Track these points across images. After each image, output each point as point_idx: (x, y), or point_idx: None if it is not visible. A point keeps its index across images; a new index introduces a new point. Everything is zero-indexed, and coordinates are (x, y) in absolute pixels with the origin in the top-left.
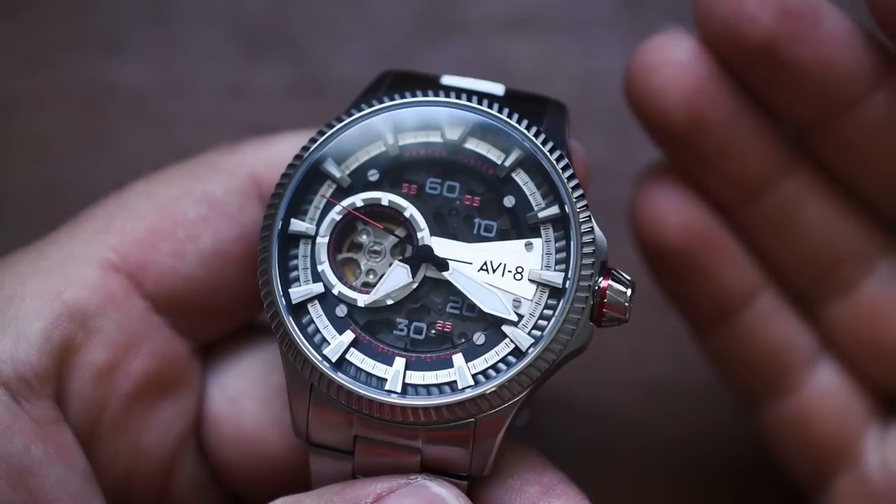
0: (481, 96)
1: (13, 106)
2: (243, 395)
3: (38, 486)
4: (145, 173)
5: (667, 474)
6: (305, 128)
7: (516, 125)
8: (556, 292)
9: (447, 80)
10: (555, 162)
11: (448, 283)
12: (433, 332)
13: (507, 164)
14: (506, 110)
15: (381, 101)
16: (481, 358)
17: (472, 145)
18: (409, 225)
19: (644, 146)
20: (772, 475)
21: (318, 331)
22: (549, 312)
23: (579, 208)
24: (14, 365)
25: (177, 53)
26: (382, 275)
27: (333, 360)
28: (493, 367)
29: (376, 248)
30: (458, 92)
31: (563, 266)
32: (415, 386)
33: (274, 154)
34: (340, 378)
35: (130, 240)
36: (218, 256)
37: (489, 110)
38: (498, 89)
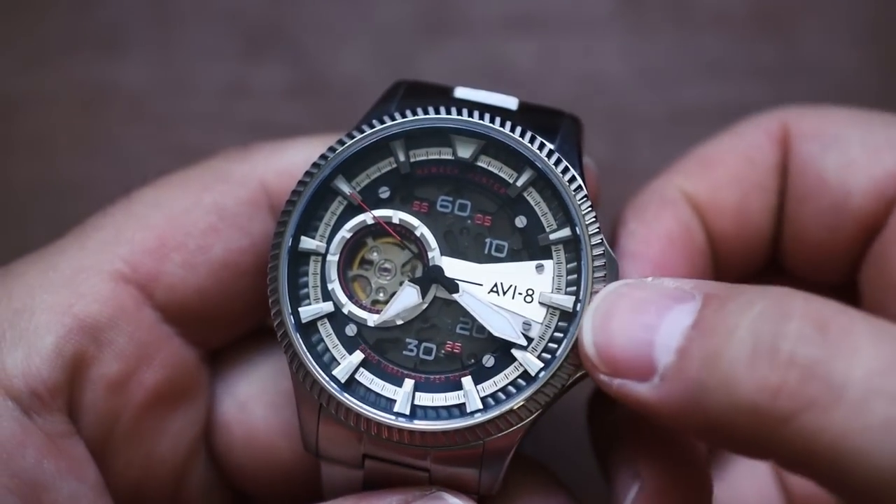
0: (494, 111)
1: (13, 106)
2: (253, 400)
3: (51, 501)
4: (146, 173)
5: None
6: (314, 133)
7: (528, 144)
8: (566, 315)
9: (460, 92)
10: (567, 183)
11: (458, 304)
12: (443, 352)
13: (520, 183)
14: (518, 129)
15: (393, 117)
16: (490, 381)
17: (484, 164)
18: (419, 244)
19: (644, 146)
20: None
21: (327, 349)
22: (560, 335)
23: (591, 231)
24: (26, 379)
25: (177, 53)
26: (392, 293)
27: (342, 380)
28: (503, 390)
29: (387, 265)
30: (471, 106)
31: (573, 289)
32: (424, 408)
33: (285, 164)
34: (348, 400)
35: (140, 250)
36: (228, 267)
37: (501, 129)
38: (511, 103)
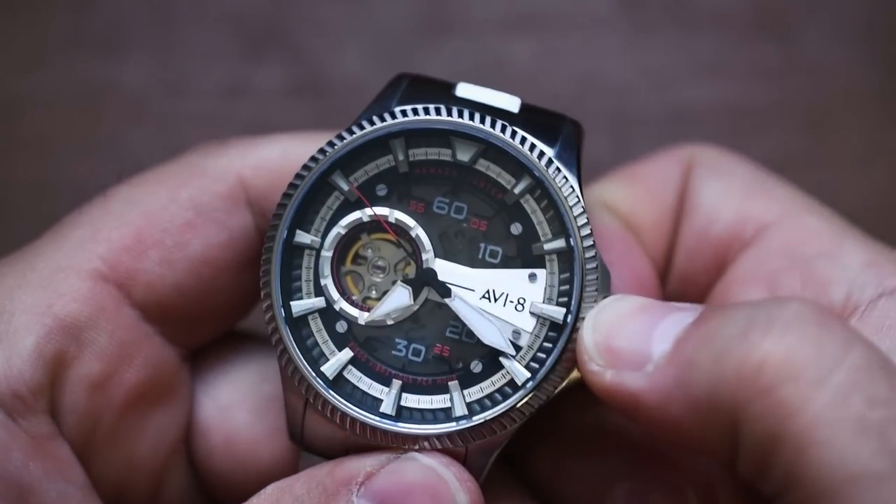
0: (496, 112)
1: (13, 106)
2: (234, 404)
3: (39, 503)
4: (119, 172)
5: None
6: (297, 129)
7: (527, 153)
8: (556, 326)
9: (462, 89)
10: (564, 194)
11: (449, 308)
12: (431, 355)
13: (517, 190)
14: (518, 135)
15: (394, 115)
16: (477, 387)
17: (483, 167)
18: (414, 244)
19: (644, 146)
20: None
21: (316, 345)
22: (549, 346)
23: (586, 244)
24: (7, 382)
25: (177, 53)
26: (385, 292)
27: (330, 377)
28: (489, 397)
29: (380, 263)
30: (474, 107)
31: (565, 300)
32: (410, 410)
33: (261, 158)
34: (335, 398)
35: (118, 248)
36: (206, 263)
37: (501, 135)
38: (514, 104)
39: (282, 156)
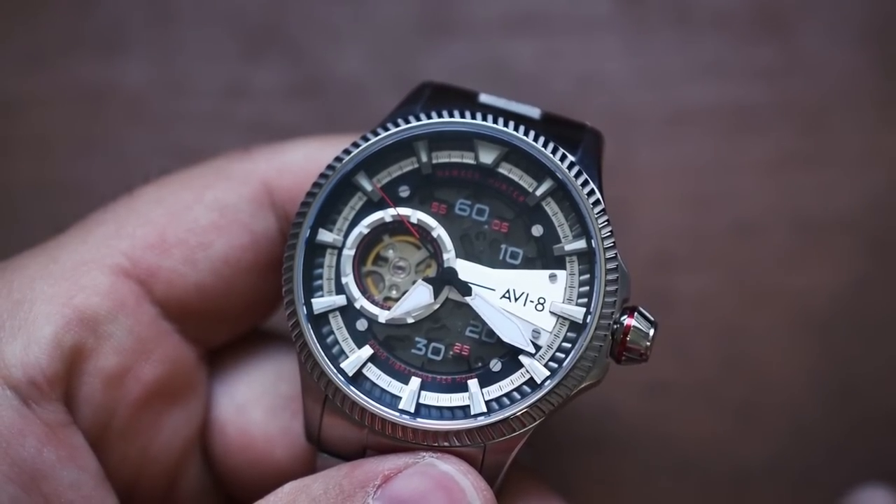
0: (518, 119)
1: (13, 106)
2: (251, 403)
3: (52, 490)
4: (145, 173)
5: (667, 473)
6: (314, 133)
7: (550, 155)
8: (576, 326)
9: (484, 98)
10: (585, 196)
11: (469, 307)
12: (451, 353)
13: (539, 193)
14: (541, 139)
15: (419, 118)
16: (496, 385)
17: (505, 170)
18: (435, 245)
19: (644, 146)
20: (772, 475)
21: (336, 342)
22: (568, 346)
23: (606, 245)
24: (24, 369)
25: (177, 53)
26: (405, 291)
27: (350, 374)
28: (508, 395)
29: (401, 263)
30: (496, 112)
31: (585, 300)
32: (428, 407)
33: (286, 161)
34: (354, 393)
35: (141, 245)
36: (229, 264)
37: (525, 138)
38: (534, 112)
39: (305, 159)
